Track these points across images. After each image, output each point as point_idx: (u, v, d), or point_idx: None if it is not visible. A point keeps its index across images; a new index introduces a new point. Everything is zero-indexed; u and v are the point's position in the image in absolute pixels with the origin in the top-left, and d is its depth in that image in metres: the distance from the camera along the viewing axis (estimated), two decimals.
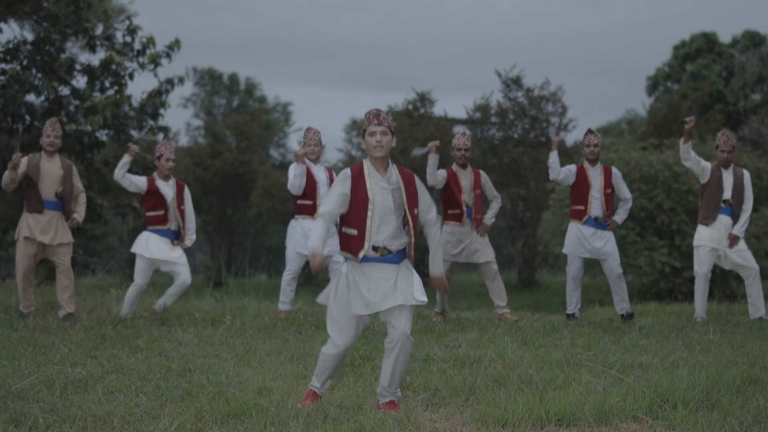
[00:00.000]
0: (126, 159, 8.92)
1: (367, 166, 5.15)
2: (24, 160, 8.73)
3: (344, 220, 5.15)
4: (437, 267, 5.27)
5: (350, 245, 5.11)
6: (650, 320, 9.04)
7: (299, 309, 9.73)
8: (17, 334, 7.66)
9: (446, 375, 6.02)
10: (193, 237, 9.27)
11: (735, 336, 7.94)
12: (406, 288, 5.06)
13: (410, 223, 5.12)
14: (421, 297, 5.06)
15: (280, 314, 9.20)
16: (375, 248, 5.07)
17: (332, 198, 5.10)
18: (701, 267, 9.24)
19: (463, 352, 6.80)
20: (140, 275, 9.00)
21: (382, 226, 5.08)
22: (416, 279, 5.14)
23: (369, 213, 5.06)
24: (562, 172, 9.14)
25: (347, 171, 5.14)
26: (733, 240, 9.14)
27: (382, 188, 5.10)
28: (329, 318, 5.21)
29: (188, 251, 9.62)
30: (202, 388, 5.62)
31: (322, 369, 5.27)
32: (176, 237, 9.09)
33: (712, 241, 9.17)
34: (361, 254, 5.07)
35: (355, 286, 5.08)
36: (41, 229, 8.72)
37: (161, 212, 8.98)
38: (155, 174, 9.12)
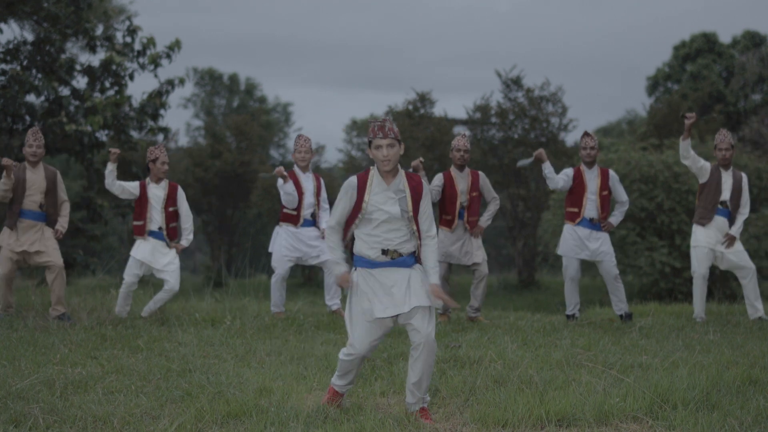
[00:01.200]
0: (110, 167, 8.82)
1: (373, 175, 5.11)
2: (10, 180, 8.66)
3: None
4: (434, 278, 5.16)
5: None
6: (650, 320, 9.04)
7: (299, 309, 9.74)
8: (17, 335, 7.66)
9: (446, 375, 6.02)
10: (190, 237, 9.18)
11: (735, 336, 7.94)
12: (420, 289, 5.04)
13: (416, 227, 5.10)
14: (435, 302, 5.06)
15: (274, 316, 9.23)
16: (385, 252, 5.05)
17: (339, 209, 5.12)
18: (699, 267, 9.26)
19: (463, 353, 6.80)
20: (128, 273, 9.00)
21: (389, 234, 5.05)
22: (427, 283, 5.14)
23: (356, 221, 5.07)
24: (560, 180, 9.08)
25: (353, 180, 5.09)
26: (730, 241, 9.15)
27: (389, 198, 5.06)
28: (348, 322, 5.16)
29: (187, 251, 9.62)
30: (202, 388, 5.62)
31: (343, 371, 5.24)
32: (163, 238, 9.00)
33: (709, 242, 9.19)
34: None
35: (369, 292, 5.05)
36: (23, 240, 8.72)
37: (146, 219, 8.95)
38: (148, 178, 9.08)
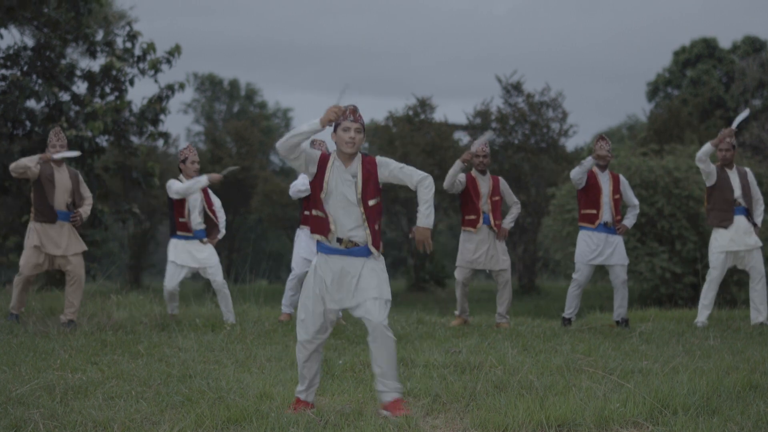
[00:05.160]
0: (206, 183, 8.93)
1: (333, 158, 5.21)
2: (37, 167, 8.69)
3: (310, 203, 5.22)
4: (423, 220, 5.20)
5: (320, 227, 5.18)
6: (650, 326, 9.04)
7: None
8: (17, 340, 7.66)
9: (447, 381, 6.02)
10: (224, 230, 9.36)
11: (735, 341, 7.93)
12: (372, 281, 5.11)
13: (364, 213, 5.14)
14: (386, 295, 5.12)
15: (281, 317, 9.24)
16: (339, 240, 5.13)
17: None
18: (716, 270, 9.19)
19: (464, 358, 6.80)
20: (168, 280, 9.01)
21: (344, 218, 5.13)
22: (383, 275, 5.18)
23: (321, 197, 5.14)
24: (584, 177, 9.13)
25: (318, 152, 5.21)
26: (756, 232, 9.12)
27: (345, 180, 5.15)
28: (298, 311, 5.26)
29: None
30: (202, 393, 5.62)
31: (299, 369, 5.31)
32: (204, 235, 9.10)
33: (732, 245, 9.11)
34: (330, 236, 5.14)
35: (322, 280, 5.14)
36: (52, 241, 8.68)
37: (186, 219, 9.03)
38: (180, 178, 9.10)
